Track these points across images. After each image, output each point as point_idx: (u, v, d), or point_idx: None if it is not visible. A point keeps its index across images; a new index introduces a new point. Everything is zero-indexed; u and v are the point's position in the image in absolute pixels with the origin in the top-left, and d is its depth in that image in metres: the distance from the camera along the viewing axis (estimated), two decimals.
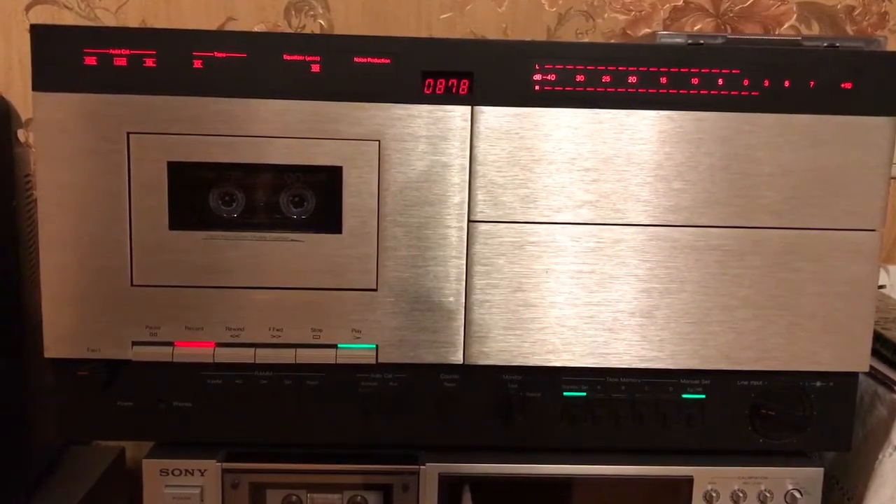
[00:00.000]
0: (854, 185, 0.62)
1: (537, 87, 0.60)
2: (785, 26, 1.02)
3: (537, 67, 0.60)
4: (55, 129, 0.59)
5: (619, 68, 0.60)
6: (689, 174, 0.62)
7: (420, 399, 0.65)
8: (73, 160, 0.59)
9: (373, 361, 0.62)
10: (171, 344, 0.62)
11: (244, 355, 0.62)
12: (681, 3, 1.01)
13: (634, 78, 0.60)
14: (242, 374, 0.64)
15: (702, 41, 0.62)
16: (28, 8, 0.96)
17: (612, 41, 1.00)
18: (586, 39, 1.00)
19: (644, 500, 0.67)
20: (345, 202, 0.61)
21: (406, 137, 0.60)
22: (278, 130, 0.60)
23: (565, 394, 0.65)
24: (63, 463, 0.80)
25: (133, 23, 0.97)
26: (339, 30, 0.99)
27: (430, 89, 0.60)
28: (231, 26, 0.98)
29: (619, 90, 0.60)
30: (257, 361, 0.62)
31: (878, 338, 0.71)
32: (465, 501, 0.66)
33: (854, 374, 0.66)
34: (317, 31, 0.99)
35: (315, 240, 0.61)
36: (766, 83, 0.61)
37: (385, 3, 0.99)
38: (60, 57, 0.58)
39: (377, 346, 0.62)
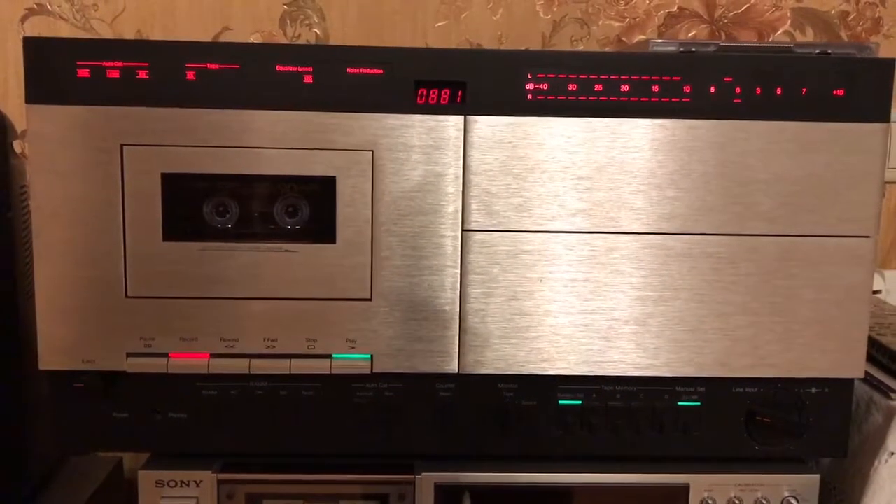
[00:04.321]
0: (848, 191, 0.62)
1: (530, 97, 0.60)
2: (779, 32, 1.02)
3: (530, 76, 0.60)
4: (49, 141, 0.59)
5: (612, 77, 0.60)
6: (683, 182, 0.62)
7: (416, 408, 0.65)
8: (68, 172, 0.59)
9: (368, 371, 0.62)
10: (165, 355, 0.62)
11: (239, 366, 0.62)
12: (675, 9, 1.01)
13: (627, 86, 0.60)
14: (237, 384, 0.64)
15: (693, 49, 0.63)
16: (23, 19, 0.97)
17: (607, 48, 1.00)
18: (581, 47, 1.00)
19: None
20: (339, 212, 0.61)
21: (400, 147, 0.60)
22: (272, 141, 0.60)
23: (561, 402, 0.65)
24: (61, 474, 0.80)
25: (129, 33, 0.97)
26: (335, 39, 0.99)
27: (423, 99, 0.60)
28: (227, 36, 0.98)
29: (611, 99, 0.60)
30: (252, 372, 0.62)
31: (874, 344, 0.71)
32: None
33: (850, 381, 0.66)
34: (312, 40, 0.99)
35: (309, 250, 0.61)
36: (759, 90, 0.61)
37: (380, 11, 0.99)
38: (54, 69, 0.58)
39: (372, 355, 0.62)
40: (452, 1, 0.99)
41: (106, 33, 0.97)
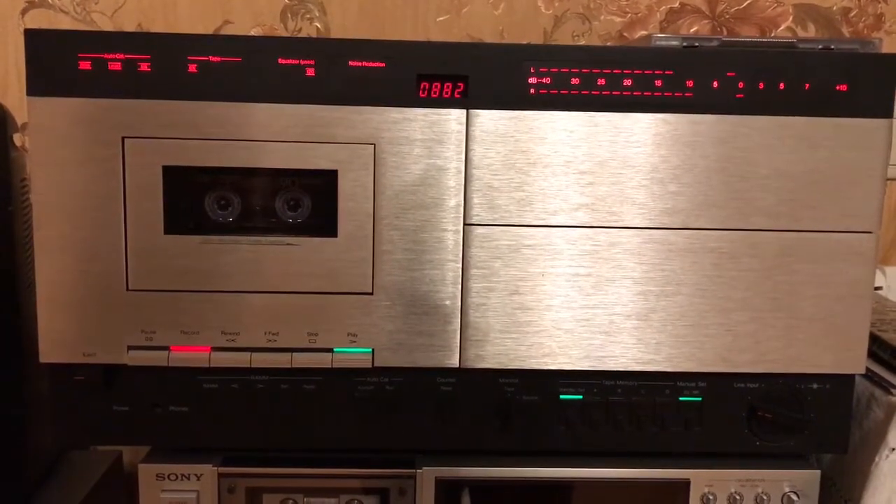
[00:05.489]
0: (850, 187, 0.62)
1: (532, 91, 0.60)
2: (781, 28, 1.02)
3: (532, 70, 0.60)
4: (50, 133, 0.59)
5: (614, 71, 0.60)
6: (685, 177, 0.62)
7: (417, 403, 0.65)
8: (69, 165, 0.59)
9: (369, 365, 0.62)
10: (166, 348, 0.61)
11: (240, 360, 0.62)
12: (677, 5, 1.01)
13: (629, 81, 0.60)
14: (239, 378, 0.63)
15: (697, 44, 0.62)
16: (24, 12, 0.96)
17: (609, 44, 1.00)
18: (582, 42, 1.00)
19: (641, 503, 0.67)
20: (340, 206, 0.61)
21: (401, 141, 0.60)
22: (274, 134, 0.60)
23: (562, 397, 0.65)
24: (60, 467, 0.80)
25: (129, 26, 0.97)
26: (336, 33, 0.99)
27: (426, 93, 0.60)
28: (227, 29, 0.98)
29: (614, 93, 0.60)
30: (253, 366, 0.62)
31: (875, 340, 0.71)
32: None
33: (851, 377, 0.66)
34: (313, 34, 0.99)
35: (311, 244, 0.61)
36: (761, 85, 0.61)
37: (381, 5, 0.99)
38: (55, 61, 0.58)
39: (373, 349, 0.62)
40: None
41: (106, 26, 0.97)
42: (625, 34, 1.01)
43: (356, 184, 0.60)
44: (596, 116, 0.61)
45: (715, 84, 0.61)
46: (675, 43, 0.63)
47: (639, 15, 1.01)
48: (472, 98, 0.60)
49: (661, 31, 1.01)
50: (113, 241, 0.60)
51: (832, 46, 0.62)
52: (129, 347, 0.61)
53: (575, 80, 0.60)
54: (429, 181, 0.61)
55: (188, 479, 0.64)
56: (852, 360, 0.65)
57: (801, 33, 1.02)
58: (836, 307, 0.63)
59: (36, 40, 0.58)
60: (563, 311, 0.63)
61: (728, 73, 0.60)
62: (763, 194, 0.62)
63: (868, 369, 0.67)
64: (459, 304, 0.62)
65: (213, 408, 0.64)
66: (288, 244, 0.61)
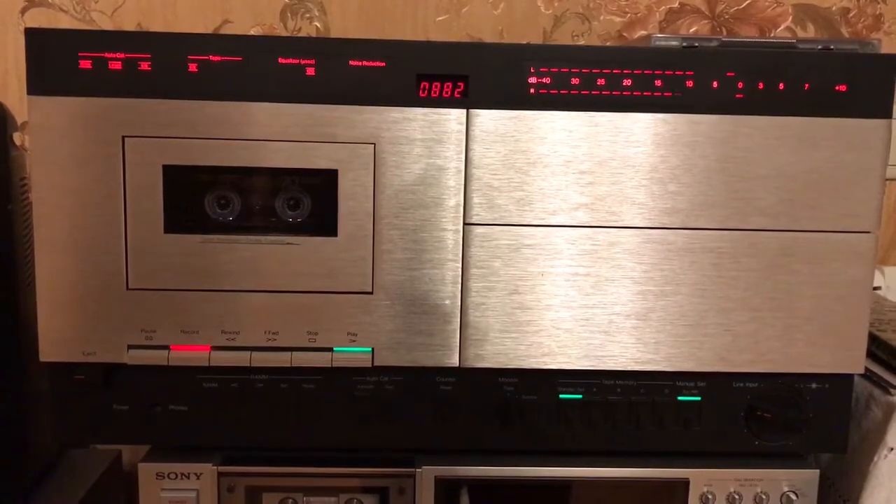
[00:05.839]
0: (849, 187, 0.62)
1: (532, 90, 0.60)
2: (780, 28, 1.02)
3: (532, 70, 0.60)
4: (51, 132, 0.59)
5: (614, 71, 0.60)
6: (685, 177, 0.62)
7: (416, 402, 0.65)
8: (69, 164, 0.59)
9: (369, 364, 0.62)
10: (166, 348, 0.61)
11: (240, 359, 0.62)
12: (676, 5, 1.01)
13: (629, 81, 0.60)
14: (238, 377, 0.63)
15: (696, 44, 0.63)
16: (24, 11, 0.96)
17: (608, 43, 1.00)
18: (582, 42, 1.00)
19: (640, 503, 0.67)
20: (340, 205, 0.61)
21: (401, 140, 0.60)
22: (274, 134, 0.60)
23: (561, 396, 0.65)
24: (60, 466, 0.80)
25: (129, 26, 0.97)
26: (336, 32, 0.99)
27: (426, 92, 0.60)
28: (227, 29, 0.98)
29: (613, 93, 0.60)
30: (253, 365, 0.62)
31: (874, 340, 0.71)
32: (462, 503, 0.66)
33: (849, 377, 0.66)
34: (313, 33, 0.99)
35: (311, 243, 0.61)
36: (761, 86, 0.61)
37: (381, 5, 0.99)
38: (55, 60, 0.58)
39: (373, 349, 0.62)
40: None
41: (106, 25, 0.97)
42: (624, 34, 1.01)
43: (356, 183, 0.60)
44: (596, 116, 0.61)
45: (714, 84, 0.61)
46: (674, 43, 0.63)
47: (638, 15, 1.01)
48: (472, 98, 0.60)
49: (661, 31, 1.01)
50: (113, 240, 0.60)
51: (831, 47, 0.63)
52: (129, 346, 0.61)
53: (575, 80, 0.60)
54: (429, 181, 0.61)
55: (188, 478, 0.64)
56: (851, 359, 0.65)
57: (800, 33, 1.02)
58: (835, 307, 0.64)
59: (36, 39, 0.58)
60: (563, 311, 0.63)
61: (728, 73, 0.61)
62: (763, 194, 0.62)
63: (867, 369, 0.67)
64: (459, 303, 0.62)
65: (212, 407, 0.64)
66: (288, 243, 0.61)
